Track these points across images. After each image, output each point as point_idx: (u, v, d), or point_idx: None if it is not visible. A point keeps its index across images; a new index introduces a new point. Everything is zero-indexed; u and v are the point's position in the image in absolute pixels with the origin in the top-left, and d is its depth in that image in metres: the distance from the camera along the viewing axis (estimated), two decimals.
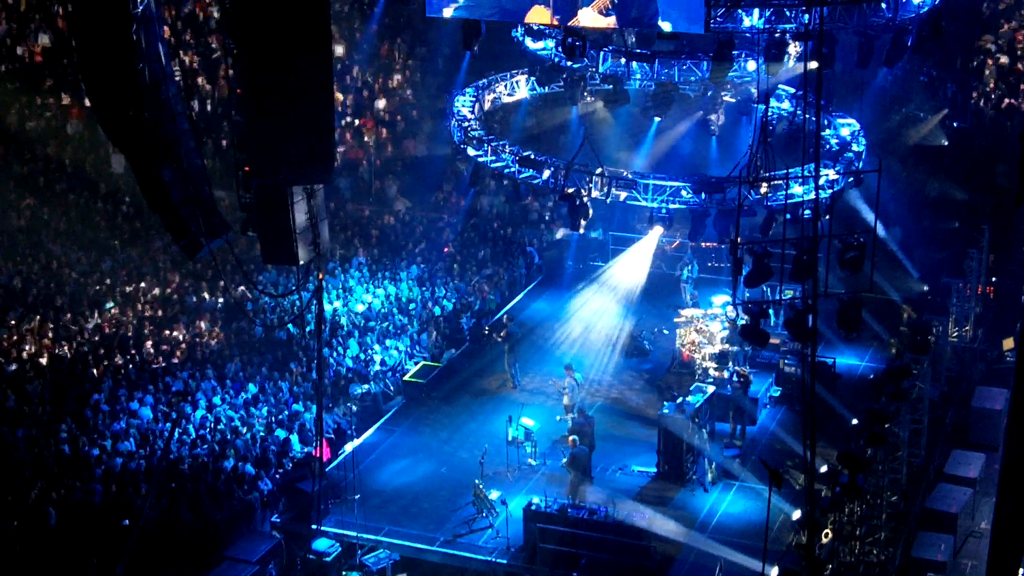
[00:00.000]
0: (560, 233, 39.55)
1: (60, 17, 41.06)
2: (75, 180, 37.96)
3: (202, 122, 38.40)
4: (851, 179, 28.58)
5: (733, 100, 33.96)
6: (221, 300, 33.85)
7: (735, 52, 27.99)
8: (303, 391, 30.55)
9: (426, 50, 44.42)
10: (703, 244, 34.59)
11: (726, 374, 29.97)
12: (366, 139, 42.79)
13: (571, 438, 27.26)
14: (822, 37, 26.03)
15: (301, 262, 23.09)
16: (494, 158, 30.54)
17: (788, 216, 27.10)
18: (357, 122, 43.09)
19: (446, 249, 38.43)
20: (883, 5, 27.35)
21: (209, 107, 40.47)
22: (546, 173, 29.45)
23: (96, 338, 31.48)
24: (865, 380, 31.21)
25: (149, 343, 31.46)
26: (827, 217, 25.83)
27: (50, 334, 31.49)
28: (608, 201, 29.42)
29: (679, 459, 27.76)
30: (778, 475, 18.02)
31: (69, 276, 34.27)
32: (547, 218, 40.47)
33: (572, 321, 35.59)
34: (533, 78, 32.92)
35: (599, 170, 28.67)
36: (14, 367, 29.64)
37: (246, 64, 19.83)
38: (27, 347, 30.74)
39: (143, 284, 34.33)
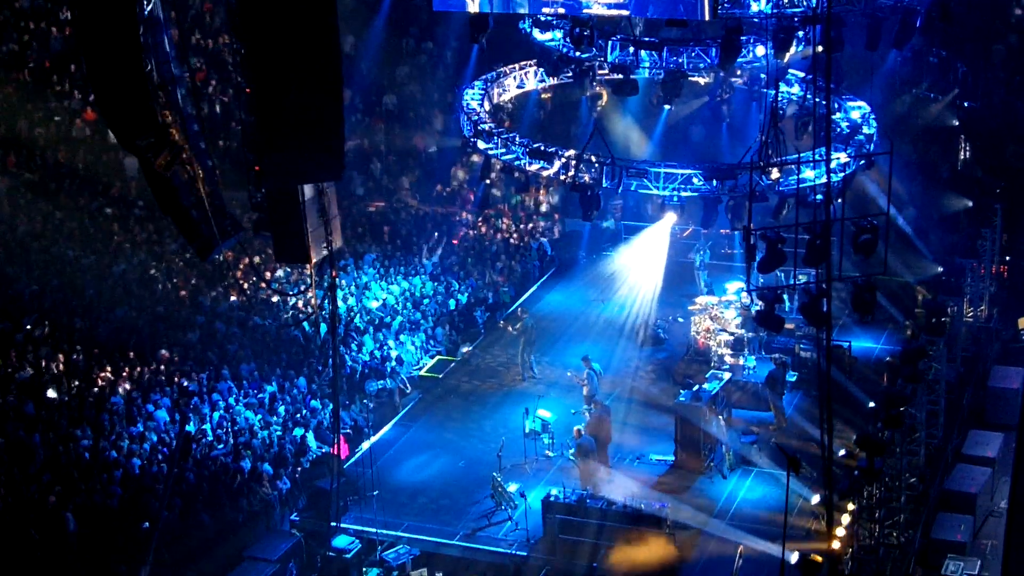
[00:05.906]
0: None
1: (67, 22, 41.03)
2: (86, 184, 37.97)
3: (211, 123, 38.36)
4: (862, 162, 28.50)
5: (744, 85, 33.85)
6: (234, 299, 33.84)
7: (743, 38, 27.90)
8: (319, 389, 30.58)
9: (434, 44, 44.38)
10: (721, 231, 34.48)
11: (742, 362, 29.91)
12: (376, 135, 42.74)
13: (576, 428, 27.45)
14: (830, 20, 25.90)
15: (314, 260, 23.07)
16: (504, 151, 30.50)
17: (814, 198, 26.98)
18: (367, 118, 43.04)
19: (455, 242, 38.41)
20: None
21: (219, 108, 40.45)
22: (557, 164, 29.40)
23: (111, 341, 31.45)
24: (881, 363, 31.15)
25: (164, 345, 31.44)
26: (839, 201, 25.75)
27: (65, 338, 31.48)
28: (619, 191, 29.35)
29: (696, 447, 27.76)
30: (795, 461, 18.02)
31: (82, 280, 34.24)
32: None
33: (586, 312, 35.58)
34: (542, 70, 32.85)
35: (609, 159, 28.61)
36: (30, 372, 29.66)
37: (253, 62, 19.77)
38: (43, 352, 30.73)
39: (158, 286, 34.30)
